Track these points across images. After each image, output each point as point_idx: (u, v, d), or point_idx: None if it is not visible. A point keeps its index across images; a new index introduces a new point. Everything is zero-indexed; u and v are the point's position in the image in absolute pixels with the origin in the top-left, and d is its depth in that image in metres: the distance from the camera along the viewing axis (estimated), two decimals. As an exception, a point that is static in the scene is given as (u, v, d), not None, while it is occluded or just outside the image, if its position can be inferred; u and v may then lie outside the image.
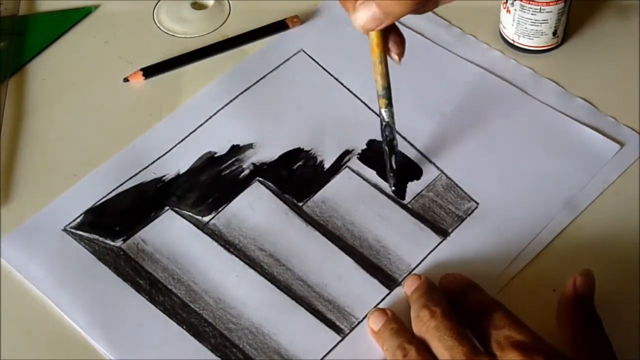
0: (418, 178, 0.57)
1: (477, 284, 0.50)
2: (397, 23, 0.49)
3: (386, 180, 0.57)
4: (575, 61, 0.63)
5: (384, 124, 0.53)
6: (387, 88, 0.51)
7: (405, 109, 0.60)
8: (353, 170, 0.57)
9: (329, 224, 0.55)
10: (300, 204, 0.56)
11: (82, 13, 0.69)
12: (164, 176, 0.58)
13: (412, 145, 0.58)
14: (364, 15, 0.46)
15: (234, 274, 0.53)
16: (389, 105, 0.52)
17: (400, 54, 0.50)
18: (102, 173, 0.58)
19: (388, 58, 0.50)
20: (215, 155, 0.59)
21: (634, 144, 0.58)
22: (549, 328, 0.47)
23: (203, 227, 0.55)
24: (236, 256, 0.53)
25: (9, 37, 0.67)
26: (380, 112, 0.53)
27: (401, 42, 0.50)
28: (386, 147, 0.54)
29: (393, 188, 0.56)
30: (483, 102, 0.60)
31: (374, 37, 0.49)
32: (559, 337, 0.47)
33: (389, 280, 0.52)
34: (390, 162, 0.55)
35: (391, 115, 0.53)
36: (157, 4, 0.69)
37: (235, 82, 0.63)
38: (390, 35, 0.50)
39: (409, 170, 0.57)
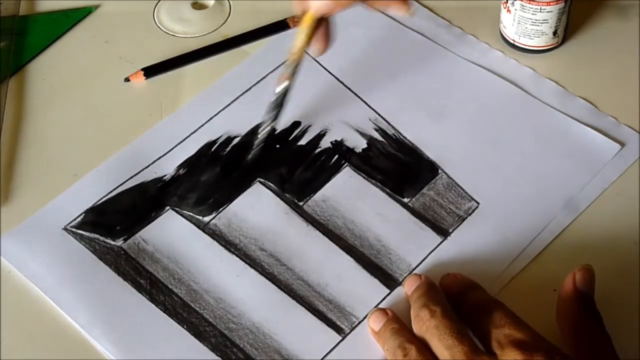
0: (433, 177, 0.57)
1: (478, 284, 0.50)
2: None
3: (388, 179, 0.57)
4: (576, 61, 0.63)
5: (279, 96, 0.55)
6: (299, 64, 0.54)
7: (405, 108, 0.60)
8: (354, 170, 0.57)
9: (330, 224, 0.55)
10: (301, 203, 0.56)
11: (82, 13, 0.69)
12: (165, 176, 0.58)
13: (412, 144, 0.58)
14: (318, 2, 0.50)
15: (235, 274, 0.53)
16: (292, 80, 0.55)
17: (322, 51, 0.54)
18: (103, 172, 0.58)
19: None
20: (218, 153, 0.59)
21: (634, 144, 0.58)
22: (549, 328, 0.47)
23: (204, 227, 0.55)
24: (237, 256, 0.53)
25: (9, 37, 0.67)
26: (281, 87, 0.55)
27: (326, 41, 0.53)
28: (267, 118, 0.56)
29: (249, 157, 0.57)
30: (483, 102, 0.60)
31: (307, 22, 0.52)
32: (559, 335, 0.47)
33: (389, 280, 0.52)
34: (257, 133, 0.57)
35: (285, 91, 0.56)
36: (157, 4, 0.69)
37: (236, 82, 0.63)
38: (322, 28, 0.53)
39: (424, 168, 0.57)
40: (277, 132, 0.60)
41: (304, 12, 0.51)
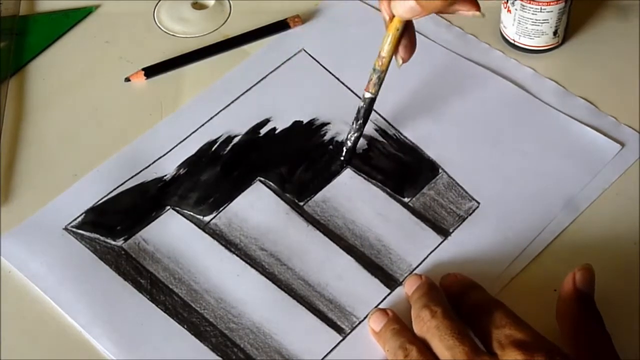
0: (433, 177, 0.57)
1: (478, 284, 0.50)
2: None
3: (388, 179, 0.57)
4: (576, 61, 0.63)
5: (368, 100, 0.55)
6: (384, 73, 0.54)
7: (406, 108, 0.60)
8: (354, 170, 0.57)
9: (330, 224, 0.55)
10: (302, 203, 0.56)
11: (82, 13, 0.69)
12: (165, 176, 0.58)
13: (413, 143, 0.58)
14: (402, 5, 0.50)
15: (235, 274, 0.53)
16: (375, 92, 0.55)
17: (405, 59, 0.53)
18: (103, 172, 0.58)
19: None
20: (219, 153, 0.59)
21: (634, 144, 0.58)
22: (549, 327, 0.47)
23: (204, 227, 0.55)
24: (237, 256, 0.53)
25: (9, 37, 0.67)
26: (370, 90, 0.55)
27: (412, 49, 0.53)
28: (362, 120, 0.56)
29: (342, 160, 0.58)
30: (484, 102, 0.61)
31: (393, 28, 0.52)
32: (559, 335, 0.47)
33: (390, 280, 0.52)
34: (346, 140, 0.57)
35: (370, 101, 0.56)
36: (157, 4, 0.69)
37: (236, 82, 0.63)
38: (405, 38, 0.52)
39: (424, 168, 0.57)
40: (277, 131, 0.60)
41: (391, 18, 0.52)
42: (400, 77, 0.62)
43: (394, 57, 0.53)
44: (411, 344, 0.46)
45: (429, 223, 0.54)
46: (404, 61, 0.53)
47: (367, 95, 0.55)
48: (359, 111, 0.56)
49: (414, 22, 0.52)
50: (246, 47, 0.66)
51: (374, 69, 0.54)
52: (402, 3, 0.50)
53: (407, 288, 0.51)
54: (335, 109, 0.61)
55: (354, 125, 0.56)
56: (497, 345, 0.44)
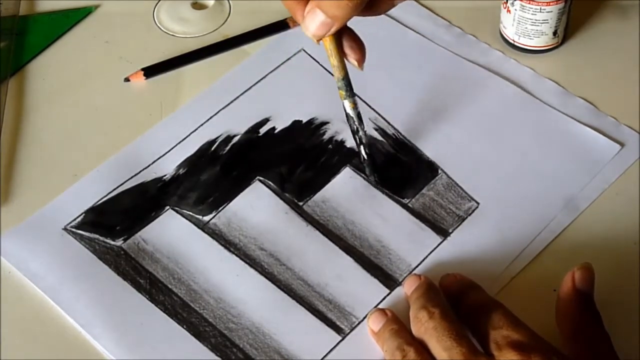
0: (433, 177, 0.57)
1: (477, 284, 0.50)
2: (353, 29, 0.50)
3: (386, 179, 0.57)
4: (576, 61, 0.63)
5: (350, 106, 0.53)
6: (345, 79, 0.52)
7: (405, 108, 0.60)
8: (354, 170, 0.57)
9: (330, 224, 0.55)
10: (301, 203, 0.56)
11: (82, 13, 0.69)
12: (165, 176, 0.58)
13: (412, 144, 0.58)
14: (313, 23, 0.46)
15: (235, 274, 0.53)
16: (349, 96, 0.52)
17: (360, 60, 0.50)
18: (103, 172, 0.58)
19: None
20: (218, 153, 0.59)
21: (634, 144, 0.58)
22: (549, 328, 0.47)
23: (203, 227, 0.55)
24: (236, 255, 0.54)
25: (9, 37, 0.67)
26: (345, 98, 0.53)
27: (359, 47, 0.50)
28: (355, 138, 0.54)
29: (375, 180, 0.56)
30: (483, 102, 0.60)
31: (327, 42, 0.49)
32: (558, 335, 0.47)
33: (389, 280, 0.52)
34: (360, 153, 0.55)
35: (353, 106, 0.53)
36: (157, 4, 0.69)
37: (236, 82, 0.63)
38: (346, 40, 0.50)
39: (424, 169, 0.57)
40: (277, 130, 0.60)
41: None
42: (399, 78, 0.62)
43: (350, 63, 0.51)
44: (409, 344, 0.46)
45: (428, 223, 0.54)
46: (359, 62, 0.50)
47: (346, 102, 0.53)
48: (350, 124, 0.54)
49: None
50: (246, 47, 0.66)
51: (337, 80, 0.52)
52: (311, 19, 0.45)
53: (406, 288, 0.51)
54: (334, 108, 0.60)
55: (357, 140, 0.55)
56: (494, 346, 0.44)
